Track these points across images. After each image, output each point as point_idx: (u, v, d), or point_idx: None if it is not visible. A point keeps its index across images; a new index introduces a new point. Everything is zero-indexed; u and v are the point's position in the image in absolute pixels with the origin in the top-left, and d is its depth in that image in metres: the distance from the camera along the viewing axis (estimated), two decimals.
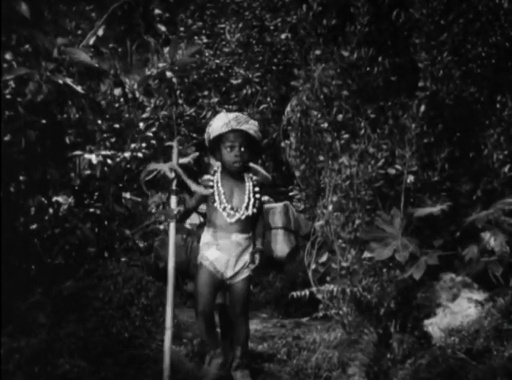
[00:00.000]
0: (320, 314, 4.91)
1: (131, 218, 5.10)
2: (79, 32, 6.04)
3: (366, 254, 4.37)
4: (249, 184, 4.34)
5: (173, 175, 4.28)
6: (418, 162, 4.40)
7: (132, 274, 5.01)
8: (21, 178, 5.00)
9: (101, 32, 5.73)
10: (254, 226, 4.39)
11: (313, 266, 5.11)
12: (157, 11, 6.69)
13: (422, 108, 4.39)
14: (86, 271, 5.08)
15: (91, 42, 5.52)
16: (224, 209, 4.24)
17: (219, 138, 4.27)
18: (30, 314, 4.69)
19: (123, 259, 5.34)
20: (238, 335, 4.44)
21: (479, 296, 4.27)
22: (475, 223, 4.22)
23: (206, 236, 4.38)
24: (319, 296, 4.92)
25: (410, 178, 4.39)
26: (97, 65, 5.17)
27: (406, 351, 4.18)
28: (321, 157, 4.97)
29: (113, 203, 4.86)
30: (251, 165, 4.60)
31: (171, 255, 4.27)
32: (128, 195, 5.23)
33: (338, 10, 4.73)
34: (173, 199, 4.29)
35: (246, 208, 4.27)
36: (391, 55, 4.64)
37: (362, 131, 4.31)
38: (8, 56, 4.33)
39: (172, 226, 4.28)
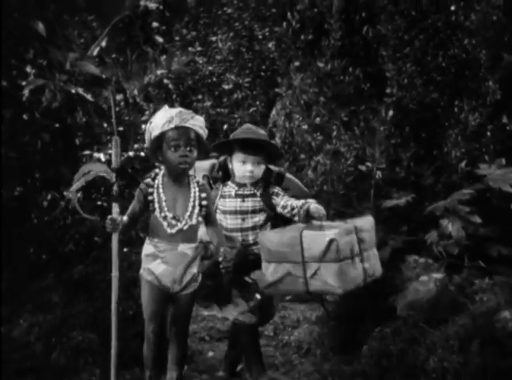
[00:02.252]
0: None
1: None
2: (82, 40, 6.32)
3: None
4: (194, 190, 3.85)
5: (113, 178, 3.77)
6: (386, 160, 4.95)
7: (135, 260, 5.24)
8: (37, 175, 5.40)
9: (104, 43, 6.08)
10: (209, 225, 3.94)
11: None
12: (154, 24, 7.14)
13: (390, 112, 4.89)
14: (94, 257, 5.38)
15: (95, 52, 5.88)
16: (165, 218, 3.76)
17: (162, 137, 3.76)
18: (45, 295, 5.03)
19: (125, 249, 5.84)
20: (175, 354, 4.00)
21: (439, 274, 4.68)
22: (434, 212, 4.83)
23: (148, 247, 3.90)
24: None
25: (379, 174, 4.96)
26: (102, 74, 5.69)
27: (376, 323, 4.62)
28: (302, 156, 5.55)
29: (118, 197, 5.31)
30: (288, 175, 4.34)
31: (115, 266, 3.91)
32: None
33: (315, 27, 5.27)
34: (115, 207, 3.74)
35: (190, 217, 3.79)
36: (362, 66, 5.20)
37: (334, 133, 4.90)
38: (28, 69, 4.87)
39: (114, 237, 3.80)
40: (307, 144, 5.28)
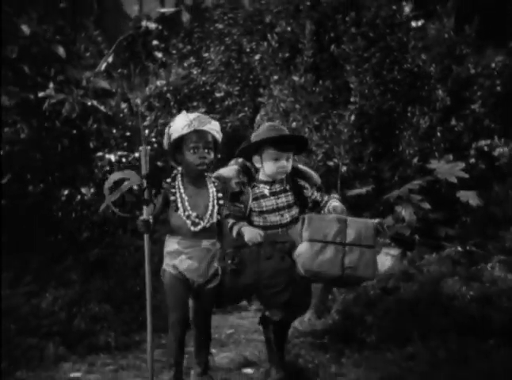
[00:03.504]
0: None
1: (139, 204, 6.06)
2: (88, 54, 6.84)
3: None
4: (212, 190, 3.97)
5: (144, 183, 3.87)
6: (350, 157, 5.67)
7: (141, 245, 6.19)
8: (56, 174, 6.17)
9: (110, 59, 6.87)
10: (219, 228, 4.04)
11: None
12: (154, 42, 7.90)
13: (353, 117, 5.66)
14: (107, 243, 6.09)
15: (103, 67, 6.64)
16: (188, 217, 3.87)
17: (181, 140, 3.89)
18: (66, 274, 5.74)
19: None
20: (200, 340, 4.08)
21: (395, 251, 5.42)
22: (389, 199, 5.49)
23: (171, 244, 3.97)
24: None
25: (344, 168, 5.73)
26: (110, 87, 6.32)
27: (342, 292, 5.28)
28: None
29: (126, 192, 6.03)
30: (300, 167, 4.37)
31: (147, 263, 4.02)
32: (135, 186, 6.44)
33: (290, 46, 6.02)
34: (146, 210, 3.89)
35: (211, 215, 3.90)
36: (330, 79, 5.95)
37: (307, 135, 5.72)
38: (51, 85, 5.64)
39: (146, 238, 3.94)
40: None
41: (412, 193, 5.52)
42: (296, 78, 6.01)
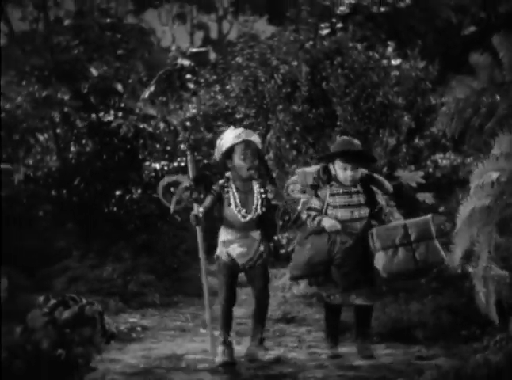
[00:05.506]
0: None
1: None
2: (130, 80, 8.37)
3: None
4: (257, 188, 4.48)
5: (193, 185, 4.47)
6: None
7: (177, 232, 7.48)
8: (112, 178, 7.60)
9: (152, 89, 8.38)
10: (264, 221, 4.51)
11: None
12: (188, 75, 9.38)
13: (338, 137, 7.24)
14: (150, 230, 7.53)
15: (147, 95, 8.23)
16: (239, 211, 4.40)
17: (231, 150, 4.40)
18: (120, 253, 7.23)
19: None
20: (258, 316, 4.56)
21: None
22: None
23: (225, 234, 4.50)
24: None
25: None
26: (153, 111, 7.87)
27: None
28: (286, 165, 7.46)
29: (166, 193, 7.34)
30: (375, 175, 4.69)
31: (201, 251, 4.61)
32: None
33: (291, 83, 7.46)
34: (196, 207, 4.43)
35: (256, 209, 4.43)
36: (323, 108, 7.36)
37: (304, 149, 7.13)
38: (111, 112, 7.23)
39: (198, 229, 4.53)
40: (289, 157, 7.46)
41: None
42: (295, 107, 7.44)
